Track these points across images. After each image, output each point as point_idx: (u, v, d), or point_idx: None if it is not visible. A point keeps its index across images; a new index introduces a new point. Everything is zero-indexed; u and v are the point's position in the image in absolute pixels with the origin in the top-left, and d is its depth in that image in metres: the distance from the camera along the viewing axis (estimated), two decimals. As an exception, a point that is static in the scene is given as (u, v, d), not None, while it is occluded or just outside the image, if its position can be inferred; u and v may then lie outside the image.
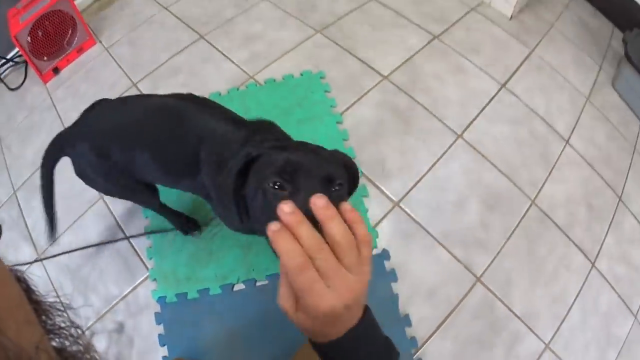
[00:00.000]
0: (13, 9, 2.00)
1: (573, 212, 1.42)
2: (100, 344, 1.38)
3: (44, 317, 0.31)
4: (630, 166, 1.57)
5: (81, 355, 0.32)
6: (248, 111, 1.59)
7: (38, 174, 1.06)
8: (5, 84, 2.16)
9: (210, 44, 1.86)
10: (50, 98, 1.99)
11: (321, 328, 0.41)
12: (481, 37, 1.83)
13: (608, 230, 1.43)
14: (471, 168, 1.47)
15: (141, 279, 1.41)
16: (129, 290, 1.41)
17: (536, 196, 1.44)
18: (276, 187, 0.53)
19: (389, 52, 1.76)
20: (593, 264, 1.38)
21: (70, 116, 1.82)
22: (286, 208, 0.40)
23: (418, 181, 1.45)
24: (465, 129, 1.56)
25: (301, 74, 1.66)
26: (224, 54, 1.80)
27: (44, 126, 1.90)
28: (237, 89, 1.67)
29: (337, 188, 0.54)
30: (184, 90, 1.63)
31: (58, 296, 0.35)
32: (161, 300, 1.36)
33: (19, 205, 1.71)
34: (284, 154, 0.58)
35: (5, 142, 1.93)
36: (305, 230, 0.39)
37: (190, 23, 1.98)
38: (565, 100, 1.70)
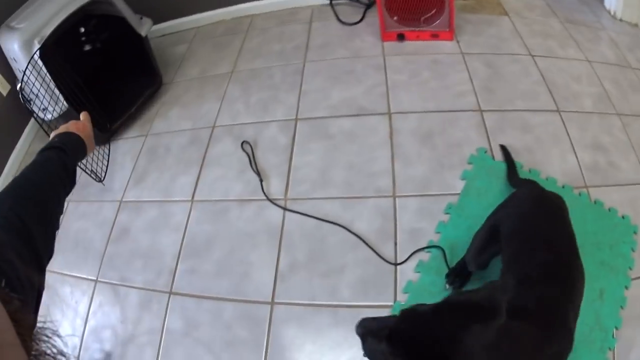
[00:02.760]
0: None
1: None
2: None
3: (29, 342, 0.39)
4: None
5: None
6: None
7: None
8: (336, 13, 2.69)
9: (564, 123, 2.14)
10: (384, 59, 2.42)
11: None
12: None
13: None
14: None
15: (382, 303, 1.61)
16: (364, 303, 1.61)
17: None
18: None
19: None
20: None
21: (397, 91, 2.22)
22: None
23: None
24: None
25: (623, 217, 1.87)
26: (572, 143, 2.07)
27: (367, 79, 2.34)
28: (571, 190, 1.93)
29: None
30: (525, 154, 1.94)
31: (45, 322, 0.42)
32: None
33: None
34: None
35: (311, 66, 2.40)
36: None
37: (552, 88, 2.30)
38: None
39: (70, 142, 1.00)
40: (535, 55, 2.48)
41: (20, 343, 0.37)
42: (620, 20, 2.97)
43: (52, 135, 1.04)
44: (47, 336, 0.41)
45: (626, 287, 1.76)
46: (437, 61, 2.40)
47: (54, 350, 0.41)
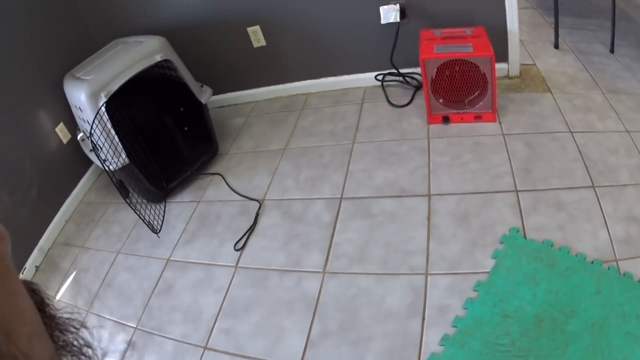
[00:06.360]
0: (428, 31, 2.82)
1: None
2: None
3: (56, 333, 0.41)
4: None
5: None
6: (584, 291, 1.94)
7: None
8: (386, 95, 3.01)
9: (598, 199, 2.28)
10: (428, 142, 2.69)
11: None
12: None
13: None
14: None
15: None
16: None
17: None
18: None
19: None
20: None
21: (439, 174, 2.47)
22: None
23: None
24: None
25: None
26: (604, 218, 2.20)
27: (411, 161, 2.60)
28: (600, 264, 2.04)
29: None
30: (557, 232, 2.10)
31: (72, 313, 0.45)
32: None
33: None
34: None
35: (359, 147, 2.71)
36: None
37: (588, 164, 2.45)
38: None
39: None
40: (574, 132, 2.67)
41: (48, 334, 0.40)
42: (667, 80, 3.08)
43: None
44: (75, 327, 0.44)
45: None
46: (479, 143, 2.64)
47: (81, 342, 0.44)
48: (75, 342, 0.43)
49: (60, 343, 0.42)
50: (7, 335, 0.32)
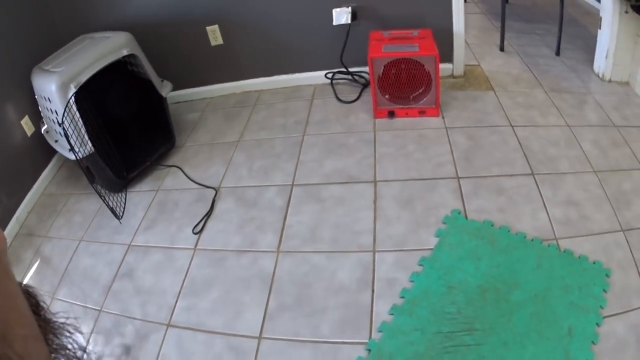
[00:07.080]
0: (378, 33, 3.04)
1: None
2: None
3: (50, 336, 0.42)
4: None
5: None
6: (525, 265, 2.10)
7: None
8: (335, 92, 3.20)
9: (537, 185, 2.49)
10: (374, 134, 2.88)
11: None
12: None
13: None
14: None
15: (358, 340, 1.89)
16: (342, 340, 1.94)
17: None
18: None
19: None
20: None
21: (384, 162, 2.65)
22: None
23: None
24: None
25: (594, 262, 2.15)
26: (544, 202, 2.42)
27: (358, 152, 2.78)
28: (541, 242, 2.25)
29: None
30: (497, 213, 2.30)
31: (68, 317, 0.46)
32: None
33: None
34: None
35: (309, 139, 2.87)
36: None
37: (528, 154, 2.69)
38: None
39: None
40: (515, 126, 2.89)
41: (43, 337, 0.41)
42: (609, 81, 3.33)
43: None
44: (69, 332, 0.45)
45: (597, 324, 1.94)
46: (423, 135, 2.84)
47: (75, 345, 0.44)
48: (69, 346, 0.44)
49: (54, 346, 0.43)
50: (4, 337, 0.33)
